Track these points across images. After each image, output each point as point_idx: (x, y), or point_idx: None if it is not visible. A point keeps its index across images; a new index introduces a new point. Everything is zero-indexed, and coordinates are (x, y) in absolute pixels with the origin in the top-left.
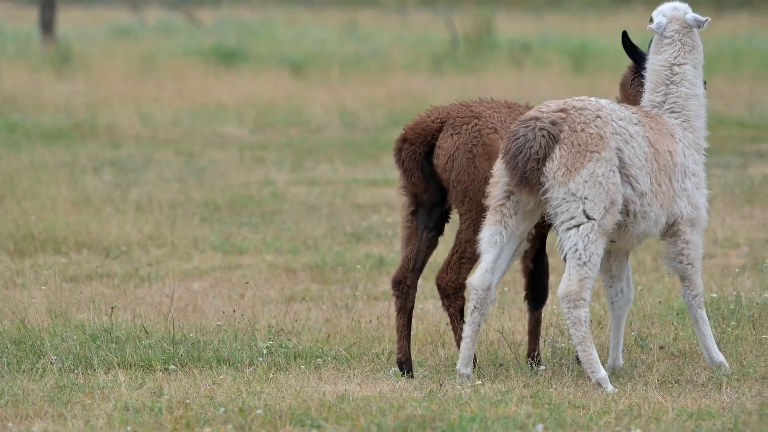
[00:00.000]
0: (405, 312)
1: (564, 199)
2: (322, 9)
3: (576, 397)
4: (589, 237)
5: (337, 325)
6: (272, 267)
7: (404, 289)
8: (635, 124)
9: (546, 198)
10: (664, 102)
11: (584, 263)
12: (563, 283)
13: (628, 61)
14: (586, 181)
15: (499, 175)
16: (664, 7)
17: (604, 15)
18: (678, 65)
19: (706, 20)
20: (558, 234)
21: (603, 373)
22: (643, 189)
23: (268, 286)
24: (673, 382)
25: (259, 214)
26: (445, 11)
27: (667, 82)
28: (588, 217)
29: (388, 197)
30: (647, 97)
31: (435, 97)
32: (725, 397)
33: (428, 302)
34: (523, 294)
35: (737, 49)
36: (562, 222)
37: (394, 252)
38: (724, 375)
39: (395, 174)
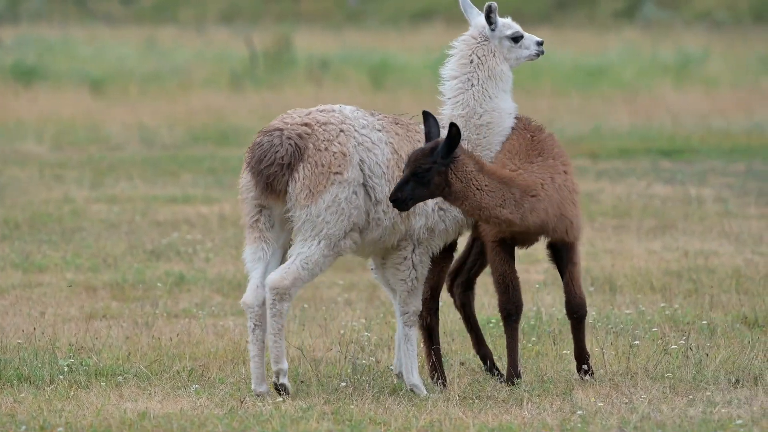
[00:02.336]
0: (461, 311)
1: (307, 220)
2: (121, 26)
3: (377, 414)
4: (323, 252)
5: (138, 342)
6: (72, 285)
7: (452, 290)
8: (378, 130)
9: (289, 216)
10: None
11: (306, 268)
12: (276, 273)
13: (428, 77)
14: (328, 207)
15: (246, 190)
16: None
17: (404, 31)
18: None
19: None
20: (294, 238)
21: (286, 365)
22: (379, 197)
23: (69, 303)
24: (474, 398)
25: (59, 231)
26: (244, 28)
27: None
28: (327, 238)
29: (188, 214)
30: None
31: (235, 113)
32: (526, 413)
33: (228, 319)
34: (322, 311)
35: (536, 65)
36: (302, 237)
37: (194, 269)
38: (525, 391)
39: (195, 191)
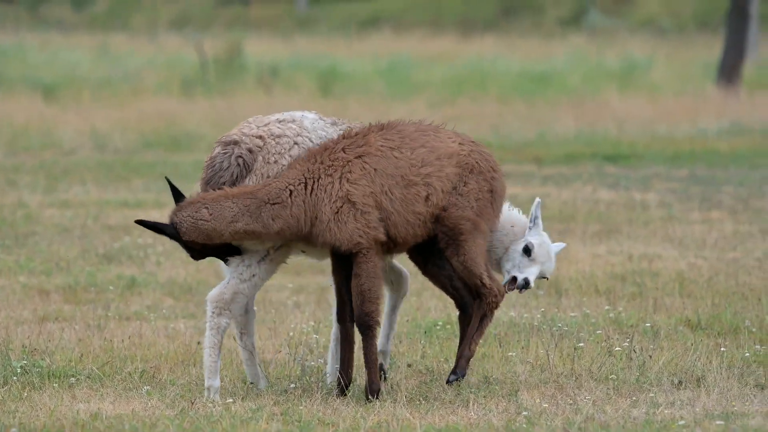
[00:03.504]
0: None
1: None
2: (73, 33)
3: (326, 415)
4: (262, 264)
5: (90, 344)
6: (26, 288)
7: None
8: None
9: None
10: None
11: (246, 281)
12: (218, 288)
13: (376, 83)
14: None
15: None
16: None
17: (351, 38)
18: None
19: None
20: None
21: (217, 383)
22: None
23: (22, 306)
24: (421, 399)
25: (12, 236)
26: (195, 34)
27: None
28: (268, 251)
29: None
30: None
31: (186, 119)
32: (472, 413)
33: (179, 322)
34: (271, 314)
35: (484, 71)
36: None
37: (145, 272)
38: (471, 392)
39: (146, 196)
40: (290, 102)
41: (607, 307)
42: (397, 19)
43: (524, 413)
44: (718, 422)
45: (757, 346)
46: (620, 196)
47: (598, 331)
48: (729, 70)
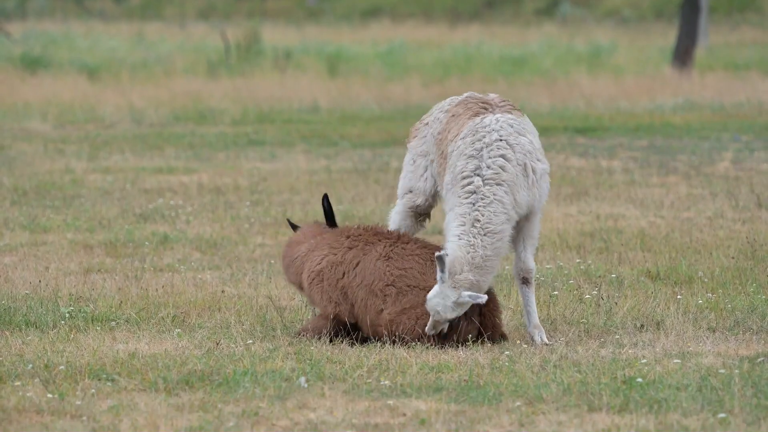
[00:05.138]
0: None
1: None
2: (114, 22)
3: (333, 354)
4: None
5: (128, 293)
6: (72, 243)
7: None
8: (445, 111)
9: None
10: None
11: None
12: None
13: (375, 66)
14: None
15: None
16: None
17: (355, 26)
18: None
19: None
20: None
21: None
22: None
23: (69, 259)
24: (416, 340)
25: (61, 198)
26: (219, 23)
27: None
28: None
29: (172, 183)
30: None
31: (211, 96)
32: (461, 353)
33: (206, 273)
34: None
35: (469, 55)
36: None
37: (176, 230)
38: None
39: (177, 163)
40: (301, 82)
41: (578, 260)
42: (394, 10)
43: (506, 353)
44: (675, 361)
45: (709, 294)
46: (589, 163)
47: (570, 281)
48: (682, 54)
